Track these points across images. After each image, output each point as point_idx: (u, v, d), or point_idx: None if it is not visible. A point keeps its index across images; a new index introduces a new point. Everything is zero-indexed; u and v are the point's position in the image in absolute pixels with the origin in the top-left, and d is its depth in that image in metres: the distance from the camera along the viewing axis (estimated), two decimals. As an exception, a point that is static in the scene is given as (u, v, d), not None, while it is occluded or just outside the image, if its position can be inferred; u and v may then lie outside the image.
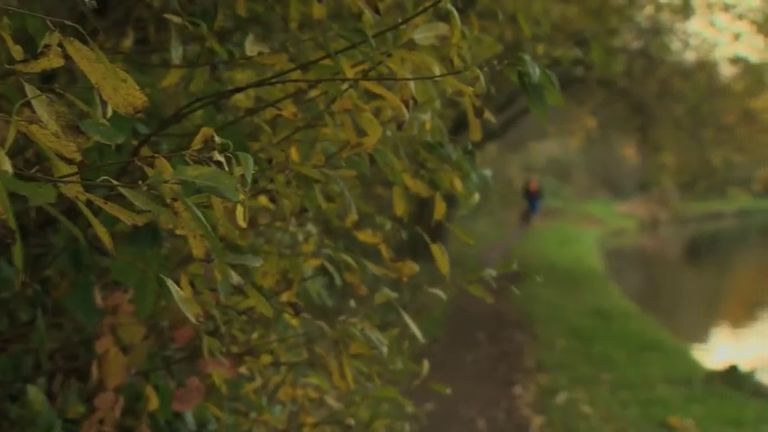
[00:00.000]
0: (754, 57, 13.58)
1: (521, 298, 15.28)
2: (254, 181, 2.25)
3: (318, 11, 2.02)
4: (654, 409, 8.05)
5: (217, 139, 1.11)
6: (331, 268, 2.41)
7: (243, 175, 1.17)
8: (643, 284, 28.10)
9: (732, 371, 9.49)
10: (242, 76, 2.77)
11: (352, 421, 2.45)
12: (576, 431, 7.33)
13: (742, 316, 21.64)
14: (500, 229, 33.12)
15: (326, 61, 1.70)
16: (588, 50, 10.26)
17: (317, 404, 2.85)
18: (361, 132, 1.96)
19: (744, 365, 9.87)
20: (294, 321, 2.86)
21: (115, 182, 1.11)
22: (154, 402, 2.08)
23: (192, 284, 1.70)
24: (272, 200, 2.27)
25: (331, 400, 2.64)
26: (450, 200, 2.87)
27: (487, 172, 2.39)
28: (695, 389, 9.02)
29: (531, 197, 35.96)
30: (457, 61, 2.06)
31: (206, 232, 1.10)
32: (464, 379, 9.28)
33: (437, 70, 1.80)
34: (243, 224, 1.21)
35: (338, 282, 2.38)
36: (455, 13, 1.74)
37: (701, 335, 18.16)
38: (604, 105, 22.54)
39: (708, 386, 9.14)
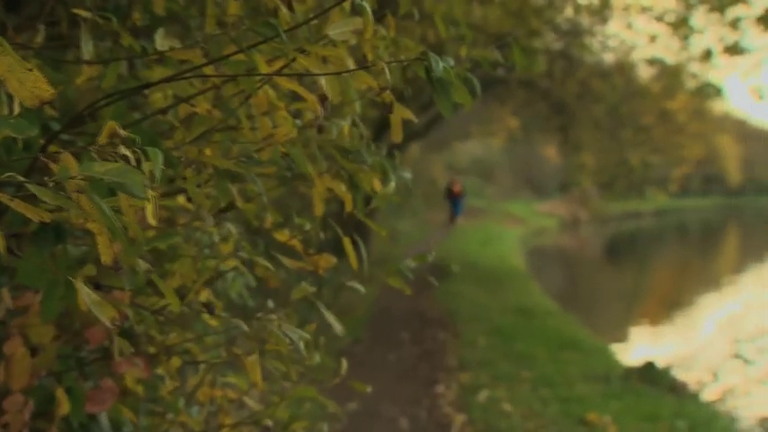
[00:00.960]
0: (670, 58, 13.84)
1: (443, 297, 15.39)
2: (171, 180, 2.22)
3: (234, 8, 2.01)
4: (573, 406, 8.16)
5: (122, 133, 1.09)
6: (243, 269, 2.40)
7: (152, 172, 1.15)
8: (564, 283, 28.48)
9: (649, 367, 9.65)
10: (159, 73, 2.73)
11: (270, 422, 2.43)
12: (497, 429, 7.39)
13: (659, 313, 22.05)
14: (424, 229, 33.27)
15: (240, 57, 1.69)
16: (510, 52, 10.36)
17: (237, 405, 2.82)
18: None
19: (660, 362, 10.07)
20: (213, 321, 2.84)
21: (21, 178, 1.09)
22: (66, 405, 2.04)
23: (99, 286, 1.68)
24: (190, 199, 2.24)
25: (250, 401, 2.62)
26: (370, 199, 2.88)
27: (407, 174, 2.40)
28: (613, 386, 9.16)
29: (454, 199, 35.83)
30: (371, 57, 2.06)
31: (112, 226, 1.08)
32: (387, 378, 9.30)
33: (351, 66, 1.80)
34: (153, 222, 1.19)
35: (252, 282, 2.36)
36: (367, 8, 1.74)
37: (619, 332, 18.46)
38: (526, 106, 22.79)
39: (625, 383, 9.29)
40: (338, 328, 2.20)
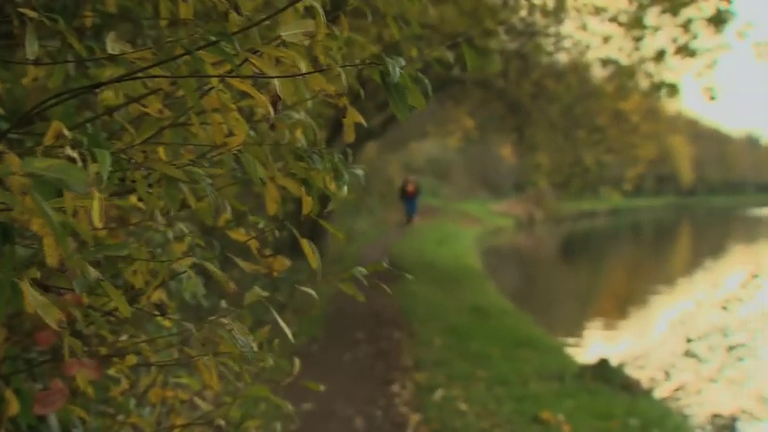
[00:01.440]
0: (623, 59, 13.96)
1: (399, 296, 15.40)
2: (122, 180, 2.20)
3: (186, 9, 2.00)
4: (527, 405, 8.21)
5: (67, 133, 1.09)
6: (191, 272, 2.39)
7: (99, 173, 1.14)
8: (519, 282, 28.65)
9: (602, 366, 9.74)
10: (110, 72, 2.71)
11: (222, 422, 2.43)
12: (452, 428, 7.42)
13: (613, 312, 22.26)
14: (380, 228, 33.31)
15: (189, 58, 1.68)
16: (472, 53, 10.39)
17: (189, 405, 2.82)
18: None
19: (613, 360, 10.16)
20: (167, 322, 2.82)
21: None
22: (15, 406, 2.02)
23: (47, 288, 1.67)
24: (141, 199, 2.23)
25: (201, 401, 2.61)
26: (326, 198, 2.87)
27: (359, 171, 2.40)
28: (567, 384, 9.24)
29: (408, 198, 35.78)
30: (324, 59, 2.07)
31: (52, 226, 1.07)
32: (342, 377, 9.30)
33: (304, 68, 1.80)
34: (98, 223, 1.18)
35: (201, 286, 2.36)
36: (320, 9, 1.74)
37: (574, 331, 18.61)
38: (482, 106, 22.87)
39: (579, 381, 9.37)
40: (288, 333, 2.20)
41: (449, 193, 53.10)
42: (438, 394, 8.52)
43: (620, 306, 23.40)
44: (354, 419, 7.68)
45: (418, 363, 10.06)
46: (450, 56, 3.87)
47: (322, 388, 2.88)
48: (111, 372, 2.48)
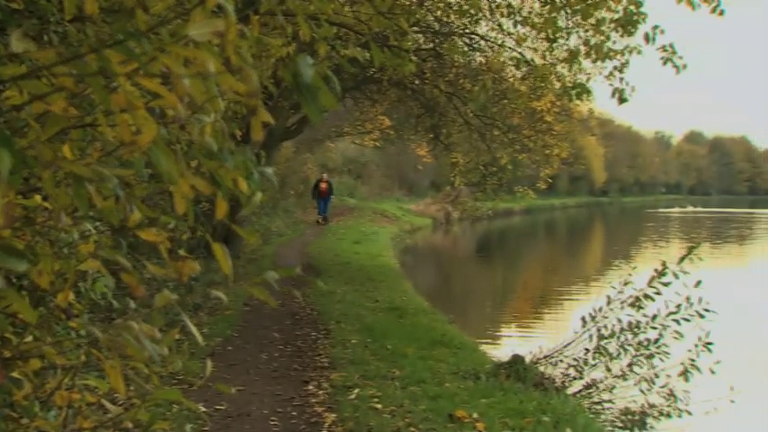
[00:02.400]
0: (537, 59, 14.14)
1: (315, 296, 15.38)
2: (26, 179, 2.16)
3: (91, 6, 1.97)
4: (442, 403, 8.25)
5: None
6: (104, 271, 2.35)
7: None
8: (435, 281, 28.86)
9: (516, 363, 9.84)
10: (12, 70, 2.65)
11: (130, 424, 2.40)
12: (367, 427, 7.43)
13: (527, 309, 22.58)
14: (297, 228, 33.21)
15: (94, 56, 1.66)
16: (380, 52, 10.41)
17: (97, 408, 2.77)
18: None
19: (527, 358, 10.28)
20: (74, 324, 2.77)
21: None
22: None
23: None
24: (45, 198, 2.19)
25: (110, 404, 2.57)
26: (239, 200, 2.85)
27: (269, 170, 2.38)
28: (481, 382, 9.32)
29: (321, 197, 35.67)
30: (235, 59, 2.05)
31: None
32: (258, 378, 9.26)
33: (213, 67, 1.78)
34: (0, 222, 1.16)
35: (111, 284, 2.32)
36: (229, 8, 1.73)
37: (489, 329, 18.84)
38: (398, 105, 22.96)
39: (493, 379, 9.45)
40: (198, 337, 2.18)
41: (366, 192, 53.22)
42: (353, 394, 8.53)
43: (534, 304, 23.74)
44: (269, 419, 7.64)
45: (334, 362, 10.06)
46: (365, 55, 3.87)
47: (233, 391, 2.86)
48: (15, 374, 2.42)
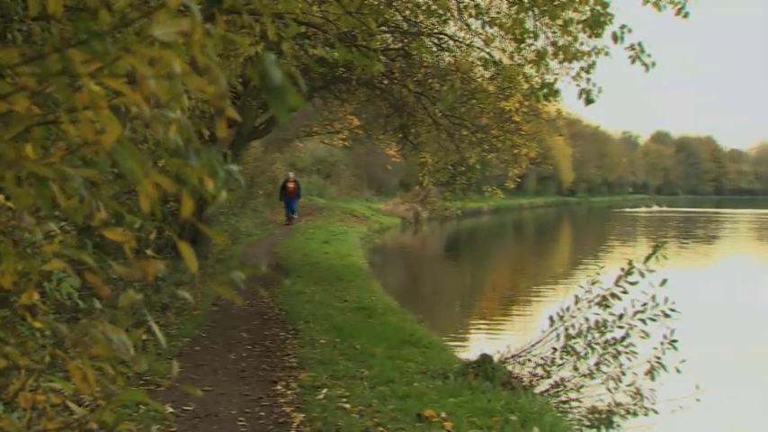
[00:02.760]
0: (505, 60, 14.17)
1: (284, 296, 15.37)
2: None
3: (54, 5, 1.95)
4: (410, 403, 8.26)
5: None
6: (69, 270, 2.33)
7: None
8: (404, 280, 28.89)
9: (484, 363, 9.87)
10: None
11: (95, 425, 2.38)
12: (335, 427, 7.42)
13: (496, 309, 22.66)
14: (266, 227, 33.13)
15: (57, 55, 1.65)
16: (348, 51, 10.41)
17: (62, 409, 2.75)
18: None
19: (495, 357, 10.31)
20: (39, 323, 2.75)
21: None
22: None
23: None
24: (8, 197, 2.17)
25: (75, 406, 2.55)
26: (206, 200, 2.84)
27: (234, 168, 2.37)
28: (450, 381, 9.34)
29: (288, 197, 35.25)
30: (201, 59, 2.04)
31: None
32: (226, 378, 9.23)
33: (177, 66, 1.78)
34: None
35: (76, 283, 2.31)
36: (194, 8, 1.72)
37: (457, 328, 18.89)
38: (367, 105, 22.95)
39: (462, 378, 9.48)
40: (161, 338, 2.17)
41: (335, 192, 53.18)
42: (322, 394, 8.52)
43: (502, 303, 23.82)
44: (237, 419, 7.62)
45: (303, 362, 10.04)
46: (333, 54, 3.87)
47: (200, 393, 2.84)
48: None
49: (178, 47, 1.86)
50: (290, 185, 34.82)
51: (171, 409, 7.53)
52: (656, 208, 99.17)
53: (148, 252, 4.11)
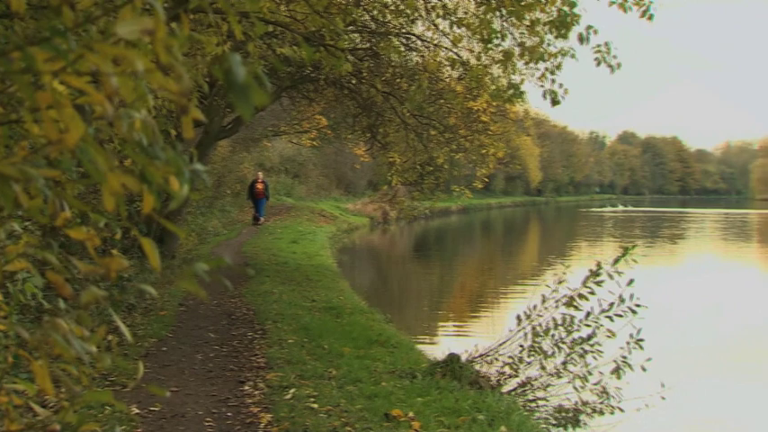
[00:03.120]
0: (472, 60, 14.21)
1: (252, 296, 15.34)
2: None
3: (17, 3, 1.94)
4: (378, 402, 8.27)
5: None
6: (33, 270, 2.32)
7: None
8: (373, 280, 28.90)
9: (452, 362, 9.89)
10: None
11: (57, 426, 2.36)
12: (303, 427, 7.41)
13: (464, 308, 22.72)
14: (234, 227, 33.04)
15: (19, 53, 1.64)
16: (316, 50, 10.41)
17: (26, 411, 2.73)
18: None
19: (463, 356, 10.34)
20: (1, 325, 2.73)
21: None
22: None
23: None
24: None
25: (37, 407, 2.53)
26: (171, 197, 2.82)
27: (200, 167, 2.36)
28: (418, 381, 9.35)
29: (257, 198, 34.64)
30: (165, 58, 2.03)
31: None
32: (193, 378, 9.19)
33: (141, 65, 1.77)
34: None
35: (39, 283, 2.29)
36: (158, 6, 1.72)
37: (426, 327, 18.92)
38: (335, 104, 22.95)
39: (430, 378, 9.49)
40: (127, 334, 2.15)
41: (303, 191, 53.14)
42: (289, 393, 8.51)
43: (470, 302, 23.89)
44: (205, 420, 7.59)
45: (270, 362, 10.02)
46: (299, 53, 3.87)
47: (167, 394, 2.82)
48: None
49: (144, 46, 1.85)
50: (259, 186, 34.19)
51: (137, 410, 7.49)
52: (620, 208, 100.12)
53: (114, 252, 4.05)
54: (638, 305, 9.85)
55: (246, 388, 8.84)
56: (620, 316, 9.93)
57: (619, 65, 10.86)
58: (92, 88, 1.78)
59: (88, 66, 1.78)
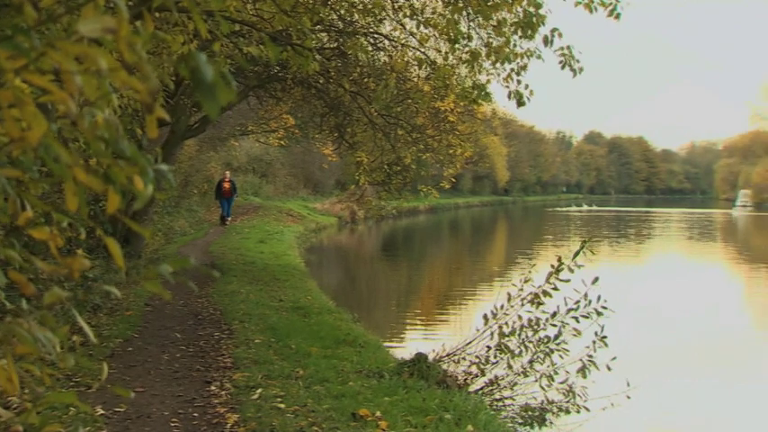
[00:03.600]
0: (439, 60, 14.23)
1: (219, 296, 15.28)
2: None
3: (-22, -1, 1.92)
4: (345, 402, 8.26)
5: None
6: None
7: None
8: (341, 279, 28.88)
9: (419, 361, 9.90)
10: None
11: (20, 428, 2.35)
12: (270, 427, 7.39)
13: (431, 307, 22.75)
14: (201, 227, 32.89)
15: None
16: (283, 50, 10.38)
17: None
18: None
19: (430, 355, 10.35)
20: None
21: None
22: None
23: None
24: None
25: (0, 408, 2.51)
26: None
27: (164, 167, 2.35)
28: (385, 381, 9.35)
29: (224, 197, 34.03)
30: (128, 56, 2.02)
31: None
32: (159, 379, 9.13)
33: (104, 64, 1.76)
34: None
35: (1, 282, 2.27)
36: (122, 5, 1.71)
37: (394, 327, 18.94)
38: (302, 104, 22.89)
39: (397, 378, 9.50)
40: (91, 335, 2.14)
41: (271, 191, 53.02)
42: (256, 394, 8.48)
43: (438, 302, 23.93)
44: (170, 420, 7.55)
45: (237, 362, 9.98)
46: (265, 52, 3.85)
47: (132, 395, 2.81)
48: None
49: (108, 44, 1.84)
50: (226, 185, 33.67)
51: (102, 411, 7.44)
52: (585, 207, 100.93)
53: (79, 252, 4.03)
54: (604, 307, 9.92)
55: (213, 388, 8.80)
56: (586, 317, 9.99)
57: (581, 69, 10.92)
58: (54, 86, 1.77)
59: (51, 64, 1.76)
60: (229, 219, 34.76)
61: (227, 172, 35.97)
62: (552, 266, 10.23)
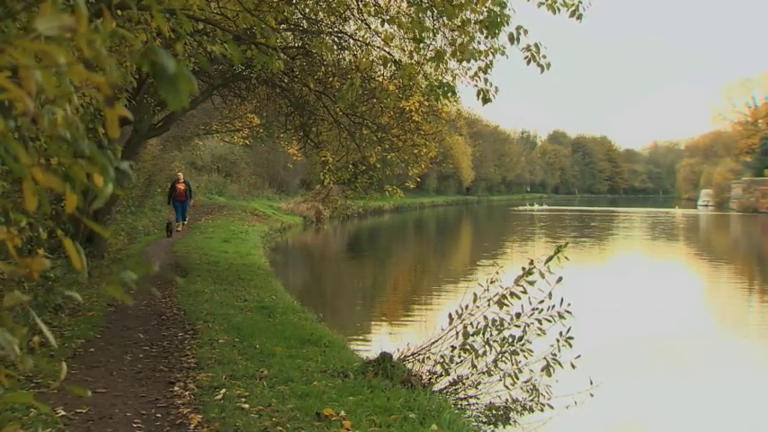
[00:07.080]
0: (404, 59, 14.23)
1: (182, 296, 15.19)
2: None
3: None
4: (310, 402, 8.24)
5: None
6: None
7: None
8: (306, 279, 28.83)
9: (383, 361, 9.90)
10: None
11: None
12: (234, 427, 7.35)
13: (396, 307, 22.76)
14: (165, 226, 32.65)
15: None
16: (247, 48, 10.34)
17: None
18: None
19: (395, 355, 10.35)
20: None
21: None
22: None
23: None
24: None
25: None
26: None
27: (125, 165, 2.33)
28: (350, 380, 9.34)
29: (178, 200, 30.62)
30: (88, 52, 2.00)
31: None
32: (121, 379, 9.06)
33: (63, 60, 1.74)
34: None
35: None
36: (81, 2, 1.69)
37: (358, 327, 18.93)
38: (267, 103, 22.84)
39: (361, 377, 9.50)
40: (50, 337, 2.11)
41: (235, 190, 52.84)
42: (220, 394, 8.44)
43: (403, 301, 23.95)
44: (133, 421, 7.49)
45: (201, 362, 9.93)
46: (227, 51, 3.83)
47: (89, 394, 2.78)
48: None
49: (66, 42, 1.82)
50: (180, 186, 30.38)
51: (63, 412, 7.37)
52: (536, 206, 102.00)
53: (39, 251, 4.02)
54: (567, 311, 9.97)
55: (176, 389, 8.75)
56: (550, 321, 10.03)
57: (548, 65, 10.96)
58: (11, 84, 1.74)
59: (7, 60, 1.74)
60: (184, 223, 31.61)
61: (180, 173, 32.11)
62: (523, 269, 10.24)
